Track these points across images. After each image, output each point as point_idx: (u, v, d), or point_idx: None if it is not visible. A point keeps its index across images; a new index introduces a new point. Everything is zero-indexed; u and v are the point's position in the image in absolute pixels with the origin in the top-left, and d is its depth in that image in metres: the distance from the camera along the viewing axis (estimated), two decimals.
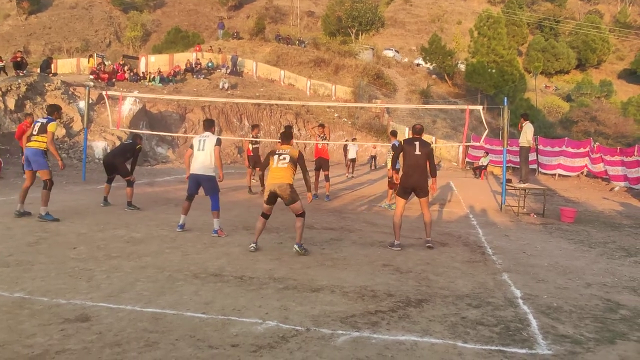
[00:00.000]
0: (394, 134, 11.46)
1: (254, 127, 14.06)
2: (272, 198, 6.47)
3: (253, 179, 13.10)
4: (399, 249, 7.06)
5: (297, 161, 6.54)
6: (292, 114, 29.55)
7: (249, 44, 40.15)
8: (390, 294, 5.02)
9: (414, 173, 7.15)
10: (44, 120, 8.14)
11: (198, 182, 7.34)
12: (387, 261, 6.37)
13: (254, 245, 6.56)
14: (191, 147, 7.60)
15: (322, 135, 12.57)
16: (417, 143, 7.23)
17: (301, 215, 6.50)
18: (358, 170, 21.86)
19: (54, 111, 8.41)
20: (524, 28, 53.31)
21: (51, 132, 7.99)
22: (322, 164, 12.22)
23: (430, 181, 7.31)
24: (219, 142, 7.38)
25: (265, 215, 6.59)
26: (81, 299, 4.49)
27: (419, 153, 7.15)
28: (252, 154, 12.94)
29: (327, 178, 12.24)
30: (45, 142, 7.94)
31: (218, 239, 7.19)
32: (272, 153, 6.64)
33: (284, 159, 6.49)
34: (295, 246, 6.47)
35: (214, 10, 59.28)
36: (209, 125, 7.72)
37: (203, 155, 7.25)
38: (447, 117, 35.21)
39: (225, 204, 10.83)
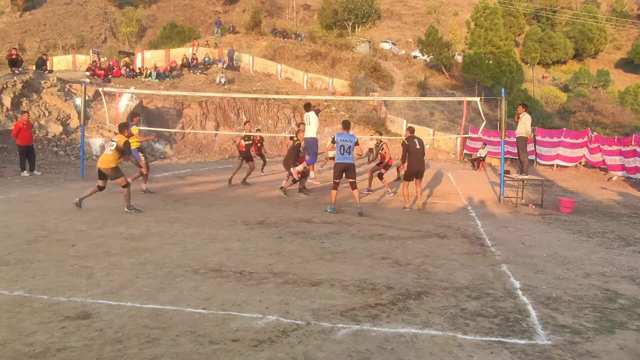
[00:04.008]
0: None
1: (247, 122, 14.22)
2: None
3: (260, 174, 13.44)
4: (409, 210, 9.96)
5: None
6: (290, 108, 29.50)
7: (245, 38, 39.99)
8: (390, 286, 5.04)
9: (416, 162, 9.99)
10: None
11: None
12: (386, 254, 6.38)
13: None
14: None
15: (378, 143, 13.06)
16: (416, 140, 10.04)
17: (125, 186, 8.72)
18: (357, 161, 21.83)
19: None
20: (520, 19, 53.05)
21: (134, 133, 10.33)
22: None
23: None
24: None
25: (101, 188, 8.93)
26: (81, 296, 4.50)
27: (419, 147, 9.98)
28: (243, 149, 13.17)
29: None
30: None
31: (217, 235, 7.19)
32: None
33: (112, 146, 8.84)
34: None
35: (210, 4, 58.88)
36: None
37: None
38: (445, 109, 35.16)
39: (224, 199, 10.86)
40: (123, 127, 8.95)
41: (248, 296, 4.61)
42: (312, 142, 11.23)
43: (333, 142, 10.70)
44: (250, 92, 27.77)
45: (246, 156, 13.18)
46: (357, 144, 9.44)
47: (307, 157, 11.34)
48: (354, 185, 9.50)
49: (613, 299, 4.94)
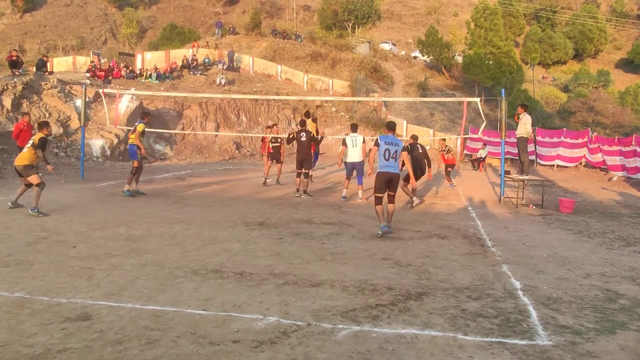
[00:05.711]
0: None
1: (274, 125, 15.08)
2: None
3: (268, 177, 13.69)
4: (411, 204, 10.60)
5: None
6: (290, 109, 29.49)
7: (245, 39, 39.99)
8: (390, 287, 5.03)
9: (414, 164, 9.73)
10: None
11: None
12: (387, 255, 6.38)
13: None
14: (343, 143, 11.22)
15: (444, 149, 15.79)
16: (418, 146, 10.75)
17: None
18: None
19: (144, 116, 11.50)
20: (520, 19, 53.02)
21: (139, 131, 10.88)
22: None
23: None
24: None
25: None
26: (81, 297, 4.50)
27: (421, 152, 10.87)
28: (272, 150, 13.69)
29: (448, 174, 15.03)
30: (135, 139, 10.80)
31: (217, 236, 7.20)
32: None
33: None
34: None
35: (210, 5, 58.85)
36: (354, 127, 10.97)
37: (357, 150, 10.98)
38: (445, 110, 35.13)
39: (224, 199, 10.86)
40: (42, 125, 9.11)
41: (248, 297, 4.61)
42: (361, 164, 11.33)
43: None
44: (250, 93, 27.75)
45: (275, 157, 13.72)
46: (404, 149, 7.98)
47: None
48: (391, 199, 7.73)
49: (614, 299, 4.93)
